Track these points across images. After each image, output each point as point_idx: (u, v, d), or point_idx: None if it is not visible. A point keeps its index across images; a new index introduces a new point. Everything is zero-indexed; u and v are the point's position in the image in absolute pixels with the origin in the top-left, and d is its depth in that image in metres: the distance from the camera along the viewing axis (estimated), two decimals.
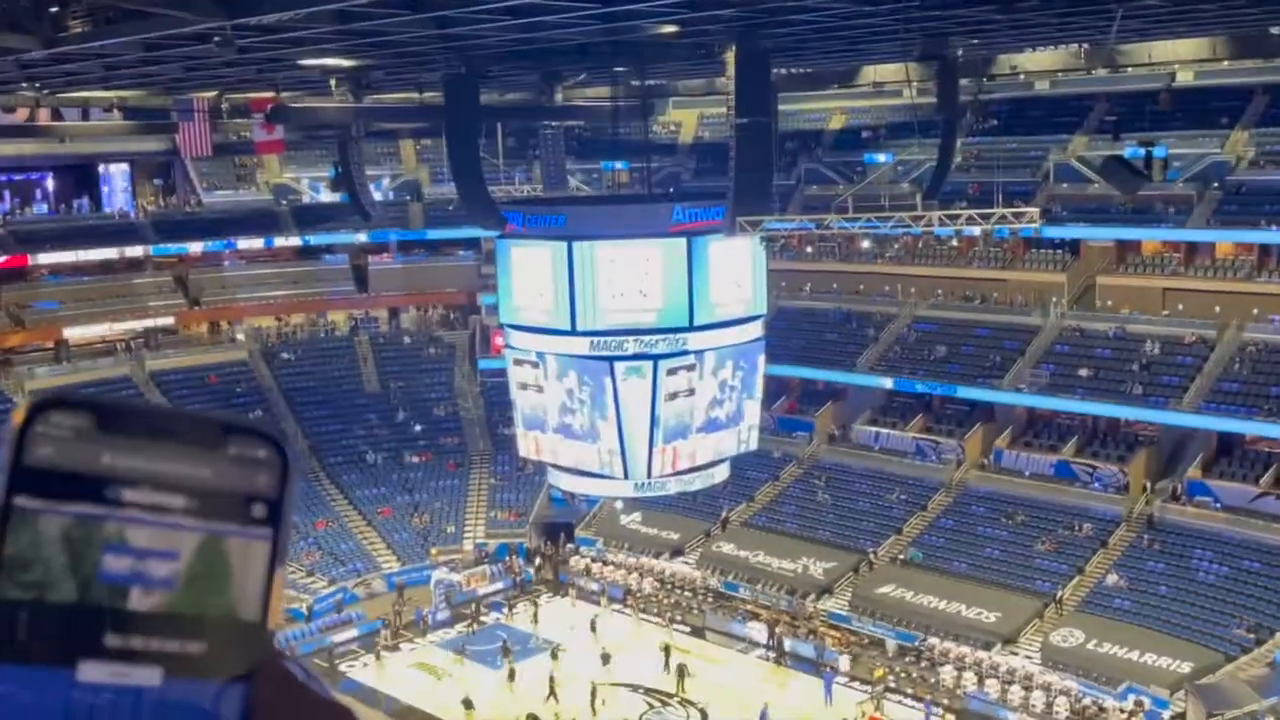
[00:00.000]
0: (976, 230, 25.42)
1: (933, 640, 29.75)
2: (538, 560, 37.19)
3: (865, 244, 39.88)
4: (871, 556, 33.82)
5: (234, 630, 0.75)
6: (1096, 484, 33.58)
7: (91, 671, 0.70)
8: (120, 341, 44.11)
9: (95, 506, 0.72)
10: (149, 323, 44.48)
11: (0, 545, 0.70)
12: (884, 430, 37.86)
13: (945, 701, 27.74)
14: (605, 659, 29.92)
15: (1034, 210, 26.05)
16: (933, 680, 28.75)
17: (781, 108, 44.65)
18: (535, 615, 33.71)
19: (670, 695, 28.49)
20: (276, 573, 0.77)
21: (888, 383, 37.80)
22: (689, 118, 48.86)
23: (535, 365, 27.68)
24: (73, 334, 42.94)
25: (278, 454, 0.78)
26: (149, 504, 0.73)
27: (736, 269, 26.64)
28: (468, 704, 27.38)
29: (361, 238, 47.36)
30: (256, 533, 0.76)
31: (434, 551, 37.11)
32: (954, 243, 35.93)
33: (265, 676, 0.76)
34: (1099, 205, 36.48)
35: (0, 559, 0.70)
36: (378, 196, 53.85)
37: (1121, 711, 26.23)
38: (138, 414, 0.74)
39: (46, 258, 43.73)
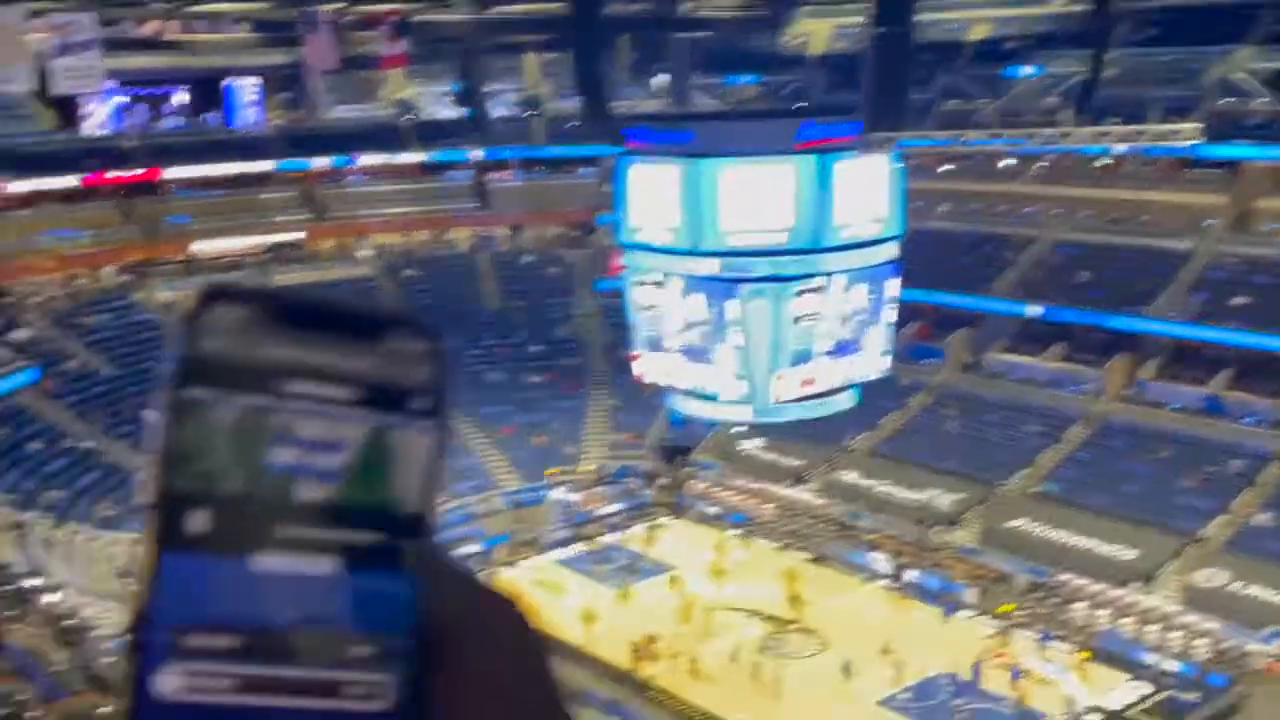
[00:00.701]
0: (1127, 148, 23.73)
1: (1065, 576, 28.71)
2: (657, 483, 36.83)
3: (1006, 162, 38.03)
4: (1002, 489, 32.68)
5: (400, 522, 0.74)
6: (1248, 419, 31.80)
7: (264, 562, 0.70)
8: (248, 256, 44.72)
9: (263, 398, 0.71)
10: (276, 238, 44.94)
11: (172, 435, 0.70)
12: (1020, 359, 36.42)
13: (1078, 639, 26.74)
14: (720, 584, 29.53)
15: (1192, 127, 24.19)
16: (1063, 617, 27.74)
17: (918, 17, 43.15)
18: (652, 538, 33.45)
19: (789, 622, 28.01)
20: (438, 466, 0.76)
21: (1026, 309, 36.22)
22: (819, 29, 46.99)
23: (657, 286, 27.08)
24: (202, 248, 43.63)
25: (434, 348, 0.77)
26: (314, 396, 0.72)
27: (869, 188, 25.63)
28: (588, 617, 27.20)
29: (482, 154, 47.01)
30: (418, 425, 0.75)
31: (552, 471, 37.03)
32: (1103, 161, 33.98)
33: (431, 569, 0.75)
34: (1263, 122, 33.99)
35: (173, 450, 0.70)
36: (500, 112, 53.82)
37: (1267, 656, 24.99)
38: (301, 306, 0.74)
39: (177, 171, 44.36)
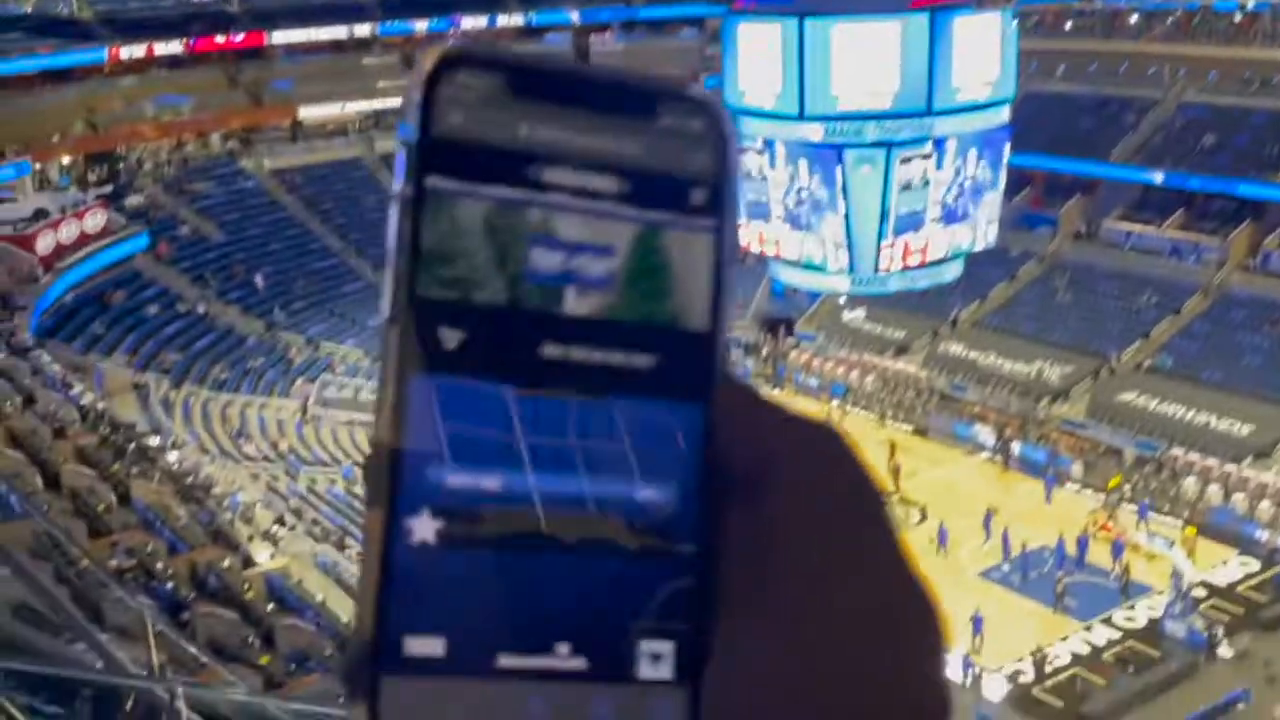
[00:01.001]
0: (1262, 3, 22.32)
1: (1175, 451, 28.07)
2: (758, 355, 36.66)
3: (1130, 19, 36.16)
4: (1113, 362, 31.88)
5: (683, 342, 0.62)
6: None
7: (531, 386, 0.59)
8: (352, 123, 44.80)
9: (517, 189, 0.60)
10: (378, 104, 44.90)
11: (416, 234, 0.58)
12: (1136, 227, 35.11)
13: (1187, 514, 26.27)
14: None
15: None
16: (1172, 492, 27.22)
17: None
18: None
19: (889, 494, 27.89)
20: (725, 274, 0.62)
21: (1147, 175, 34.78)
22: None
23: (760, 152, 26.49)
24: (307, 114, 43.78)
25: (716, 127, 0.63)
26: (576, 187, 0.60)
27: (983, 48, 24.52)
28: None
29: (580, 17, 46.16)
30: (698, 223, 0.62)
31: None
32: (1235, 17, 32.10)
33: (724, 396, 0.62)
34: None
35: (415, 253, 0.58)
36: None
37: None
38: (554, 75, 0.61)
39: (281, 35, 44.33)
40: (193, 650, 13.24)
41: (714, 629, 0.59)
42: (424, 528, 0.57)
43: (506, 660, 0.57)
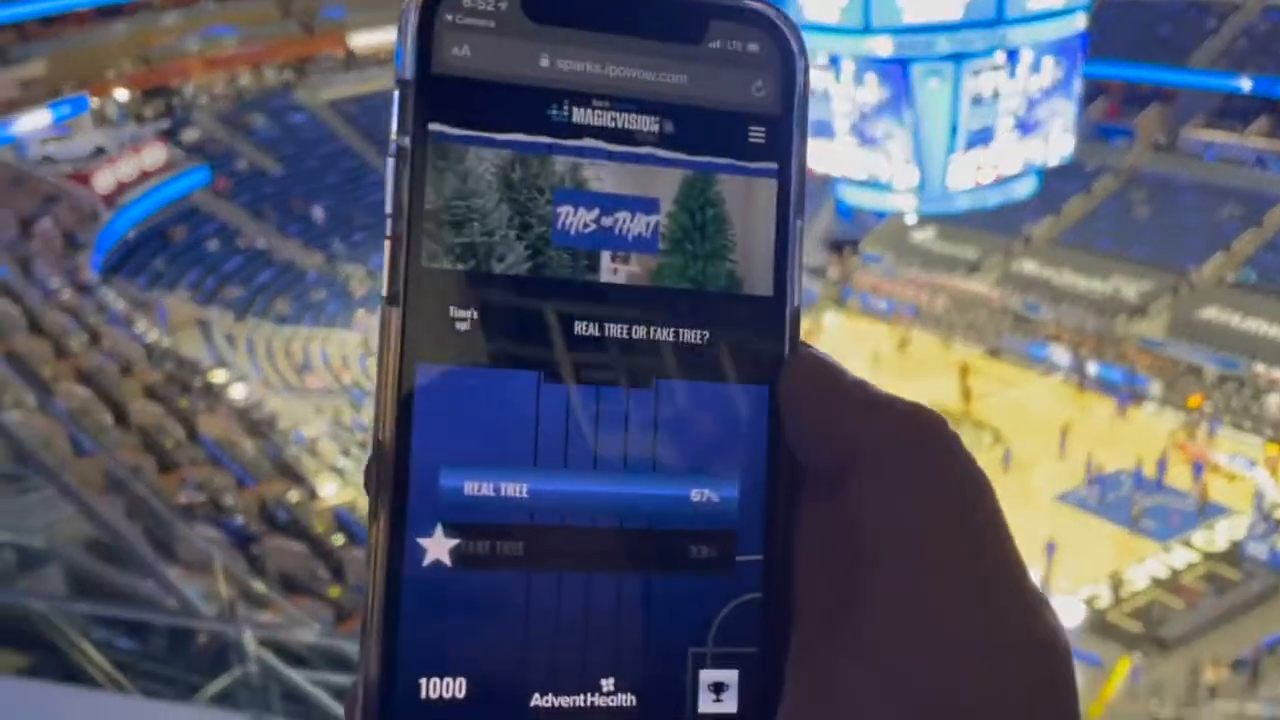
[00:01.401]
0: None
1: (1259, 368, 27.24)
2: (827, 276, 36.08)
3: None
4: (1193, 277, 30.97)
5: (743, 311, 0.54)
6: None
7: (560, 372, 0.52)
8: None
9: (538, 134, 0.51)
10: None
11: (419, 194, 0.50)
12: (1219, 136, 33.87)
13: (1270, 433, 25.54)
14: (888, 378, 29.01)
15: None
16: (1255, 410, 26.47)
17: None
18: (819, 332, 32.97)
19: (962, 417, 27.47)
20: (793, 225, 0.55)
21: (1231, 82, 33.52)
22: None
23: (824, 69, 25.77)
24: (359, 42, 43.42)
25: (780, 46, 0.54)
26: (609, 128, 0.52)
27: None
28: None
29: None
30: (758, 167, 0.54)
31: None
32: None
33: (795, 374, 0.54)
34: None
35: (417, 218, 0.50)
36: None
37: None
38: None
39: None
40: (262, 584, 13.22)
41: (786, 654, 0.52)
42: (438, 547, 0.49)
43: (541, 701, 0.50)
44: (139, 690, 5.63)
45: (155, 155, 34.77)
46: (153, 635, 6.93)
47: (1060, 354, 29.91)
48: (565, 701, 0.50)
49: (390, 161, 0.50)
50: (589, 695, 0.50)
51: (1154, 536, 22.84)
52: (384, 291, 0.49)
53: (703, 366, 0.53)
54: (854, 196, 28.53)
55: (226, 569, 10.98)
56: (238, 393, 23.75)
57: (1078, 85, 25.68)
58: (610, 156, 0.52)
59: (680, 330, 0.52)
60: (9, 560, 7.63)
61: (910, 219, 34.01)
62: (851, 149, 26.21)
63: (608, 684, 0.50)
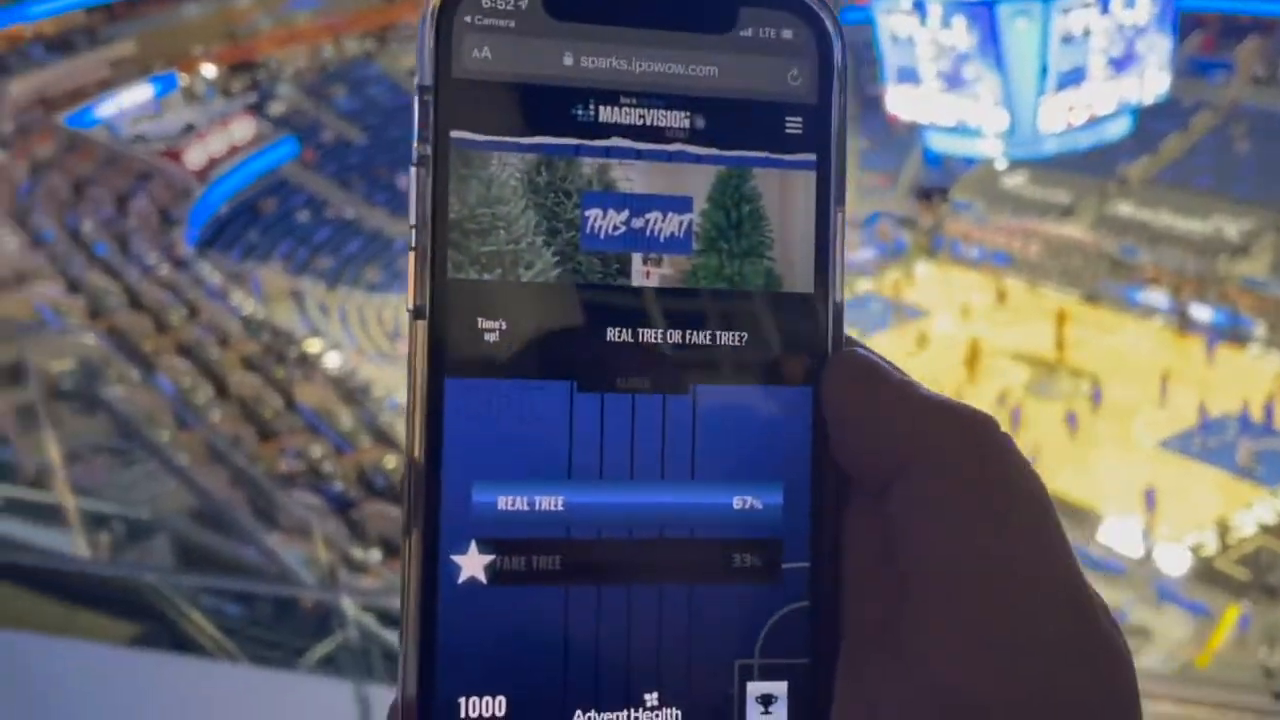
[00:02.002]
0: None
1: None
2: (916, 226, 35.50)
3: None
4: None
5: (783, 310, 0.52)
6: None
7: (594, 381, 0.50)
8: None
9: (564, 136, 0.50)
10: None
11: (443, 203, 0.49)
12: None
13: None
14: (983, 327, 28.56)
15: None
16: None
17: None
18: (909, 283, 32.49)
19: (1058, 364, 26.95)
20: (834, 217, 0.53)
21: None
22: None
23: (909, 13, 25.25)
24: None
25: (815, 31, 0.53)
26: (638, 126, 0.51)
27: None
28: None
29: None
30: (795, 159, 0.53)
31: None
32: None
33: (837, 374, 0.52)
34: None
35: (447, 223, 0.49)
36: None
37: None
38: None
39: None
40: (361, 549, 13.45)
41: (835, 665, 0.50)
42: (473, 563, 0.48)
43: (584, 718, 0.49)
44: (247, 656, 5.74)
45: (244, 129, 35.34)
46: (259, 602, 7.07)
47: (1160, 297, 29.11)
48: (608, 717, 0.49)
49: (412, 170, 0.49)
50: (633, 711, 0.49)
51: (1262, 481, 22.22)
52: (410, 305, 0.49)
53: (742, 369, 0.51)
54: (942, 143, 28.00)
55: (326, 535, 11.18)
56: (332, 361, 24.13)
57: (1172, 19, 24.80)
58: (639, 155, 0.51)
59: (717, 333, 0.51)
60: (119, 532, 7.84)
61: (1000, 164, 33.29)
62: (939, 94, 25.71)
63: (651, 699, 0.49)
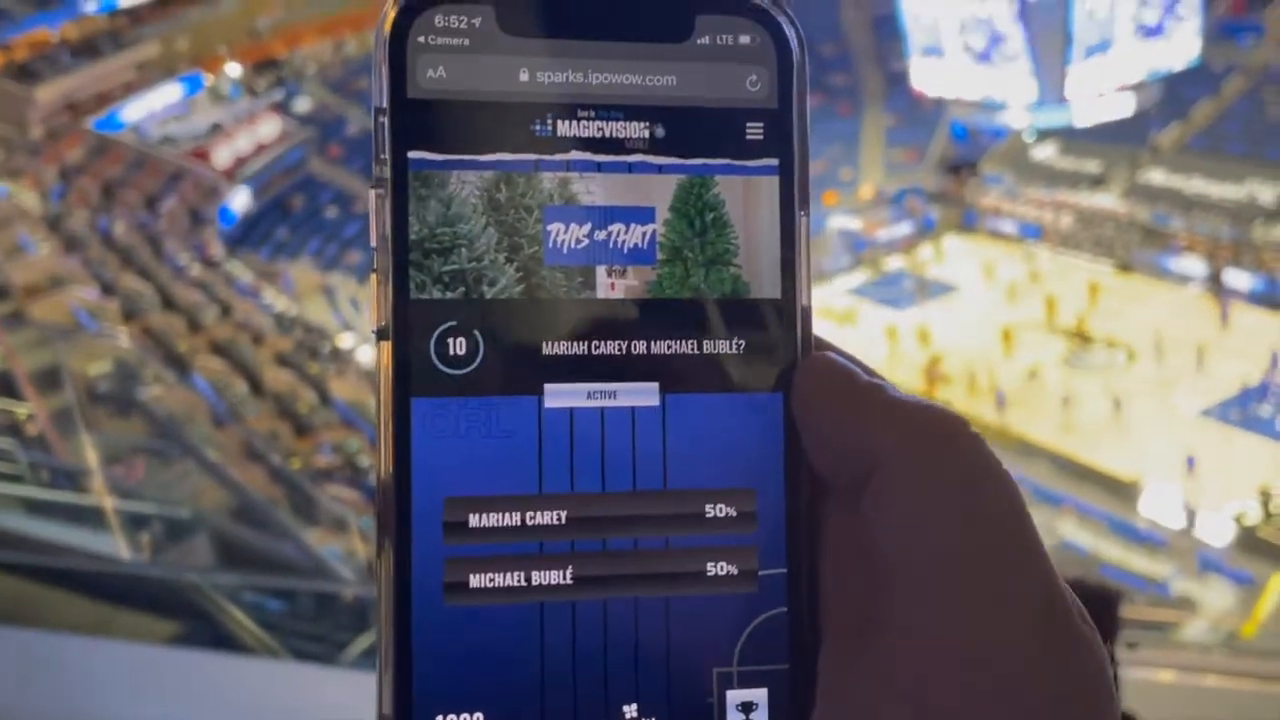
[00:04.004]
0: None
1: None
2: (942, 201, 35.23)
3: None
4: None
5: (750, 316, 0.52)
6: None
7: (561, 396, 0.50)
8: None
9: (522, 152, 0.50)
10: None
11: (403, 224, 0.49)
12: None
13: None
14: (1016, 300, 28.32)
15: None
16: None
17: None
18: (940, 258, 32.25)
19: (1092, 336, 26.69)
20: (799, 222, 0.53)
21: None
22: None
23: None
24: None
25: (774, 35, 0.53)
26: (597, 138, 0.51)
27: None
28: (891, 334, 26.75)
29: None
30: (757, 165, 0.52)
31: (830, 196, 36.00)
32: None
33: (807, 379, 0.52)
34: None
35: (408, 244, 0.49)
36: None
37: None
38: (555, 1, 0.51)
39: None
40: None
41: (815, 669, 0.50)
42: (446, 581, 0.49)
43: None
44: (289, 651, 5.77)
45: (270, 127, 35.50)
46: (299, 597, 7.11)
47: (1195, 265, 28.78)
48: None
49: (371, 193, 0.49)
50: None
51: None
52: (373, 326, 0.49)
53: (711, 377, 0.51)
54: (969, 116, 27.71)
55: (363, 529, 11.24)
56: (365, 355, 24.22)
57: None
58: (600, 168, 0.50)
59: (684, 342, 0.51)
60: (158, 532, 7.90)
61: (1029, 136, 32.95)
62: (964, 68, 25.45)
63: (630, 710, 0.49)
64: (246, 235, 31.93)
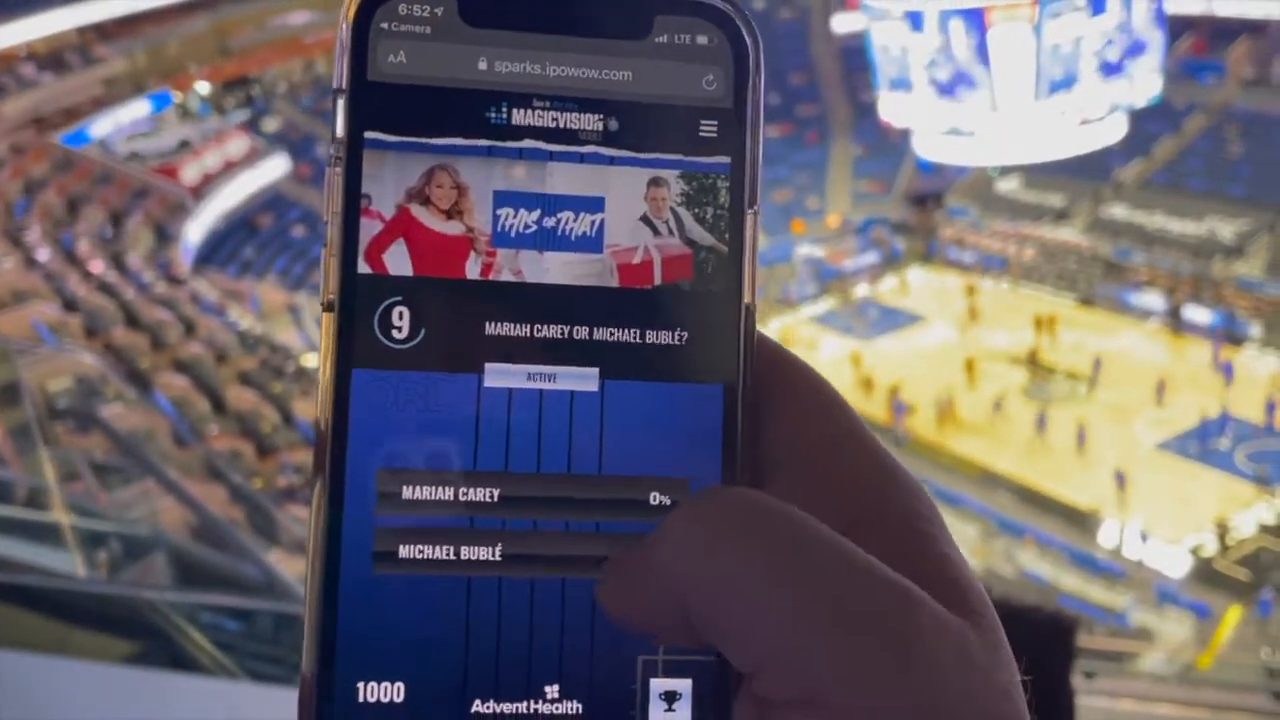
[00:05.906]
0: None
1: None
2: (907, 232, 35.55)
3: None
4: None
5: (694, 308, 0.53)
6: None
7: (502, 376, 0.51)
8: None
9: (477, 138, 0.51)
10: None
11: (353, 200, 0.51)
12: None
13: None
14: (978, 331, 28.57)
15: None
16: None
17: None
18: (905, 288, 32.50)
19: (1053, 367, 26.96)
20: (746, 220, 0.54)
21: None
22: None
23: (901, 21, 25.32)
24: None
25: (730, 37, 0.54)
26: (550, 129, 0.52)
27: None
28: (855, 360, 26.85)
29: None
30: (709, 162, 0.53)
31: (797, 224, 36.24)
32: None
33: (759, 374, 0.54)
34: None
35: (355, 220, 0.51)
36: None
37: None
38: None
39: None
40: None
41: None
42: (376, 551, 0.49)
43: (482, 707, 0.49)
44: (246, 673, 5.73)
45: (238, 146, 35.39)
46: (258, 618, 7.05)
47: (1155, 299, 29.15)
48: (507, 708, 0.49)
49: (328, 170, 0.50)
50: (533, 702, 0.49)
51: (1261, 482, 22.23)
52: (322, 300, 0.50)
53: (651, 366, 0.52)
54: (935, 150, 28.02)
55: None
56: None
57: (1162, 22, 24.88)
58: (552, 157, 0.51)
59: (627, 330, 0.52)
60: (116, 550, 7.82)
61: (994, 169, 33.33)
62: (931, 101, 25.75)
63: (552, 691, 0.49)
64: (213, 253, 31.77)
